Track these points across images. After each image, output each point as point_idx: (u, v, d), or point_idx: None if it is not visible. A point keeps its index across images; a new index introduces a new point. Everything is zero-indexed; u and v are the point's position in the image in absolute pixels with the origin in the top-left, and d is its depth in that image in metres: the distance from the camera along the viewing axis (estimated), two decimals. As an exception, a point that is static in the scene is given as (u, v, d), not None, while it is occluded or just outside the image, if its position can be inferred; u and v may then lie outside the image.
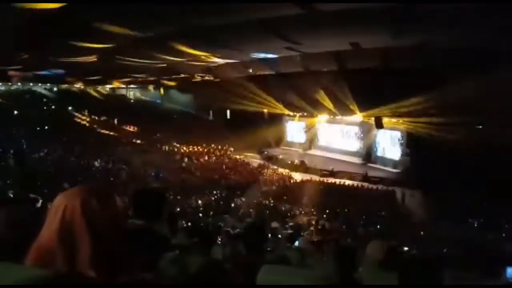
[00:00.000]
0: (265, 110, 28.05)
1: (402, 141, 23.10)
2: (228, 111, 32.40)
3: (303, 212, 15.98)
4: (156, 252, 1.72)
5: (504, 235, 12.39)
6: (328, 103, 23.99)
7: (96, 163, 20.38)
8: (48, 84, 33.02)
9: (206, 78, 24.93)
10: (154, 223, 2.07)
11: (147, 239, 1.82)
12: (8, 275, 0.91)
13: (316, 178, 22.97)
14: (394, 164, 23.67)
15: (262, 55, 17.33)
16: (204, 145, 29.16)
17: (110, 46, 14.21)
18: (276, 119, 30.88)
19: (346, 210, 16.19)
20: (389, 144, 24.40)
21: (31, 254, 0.96)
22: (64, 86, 34.05)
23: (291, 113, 29.55)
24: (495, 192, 13.89)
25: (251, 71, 21.38)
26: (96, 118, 30.35)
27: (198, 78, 25.50)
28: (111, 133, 28.51)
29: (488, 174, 14.96)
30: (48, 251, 0.93)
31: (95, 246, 0.93)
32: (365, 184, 21.41)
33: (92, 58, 16.55)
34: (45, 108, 29.87)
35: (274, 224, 10.38)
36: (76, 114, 30.47)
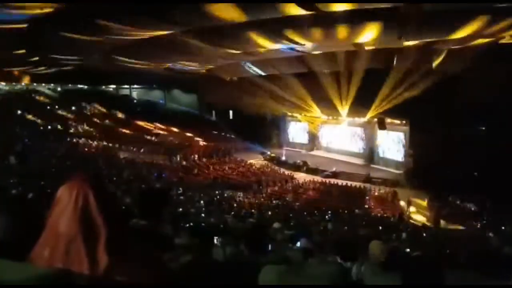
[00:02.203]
0: (268, 111, 28.01)
1: (405, 142, 23.03)
2: (231, 112, 32.40)
3: (305, 213, 15.95)
4: (159, 252, 1.73)
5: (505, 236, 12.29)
6: (330, 104, 23.95)
7: (99, 163, 20.41)
8: (52, 84, 33.15)
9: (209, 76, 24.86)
10: (157, 223, 2.09)
11: (150, 239, 1.84)
12: (9, 274, 0.93)
13: (318, 179, 22.95)
14: (397, 165, 23.61)
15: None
16: (207, 145, 29.15)
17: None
18: (278, 120, 30.86)
19: (346, 211, 16.16)
20: (392, 145, 24.33)
21: (43, 245, 0.98)
22: (68, 86, 34.20)
23: (294, 114, 29.50)
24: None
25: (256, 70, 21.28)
26: (98, 119, 30.43)
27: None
28: (114, 134, 28.54)
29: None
30: (68, 238, 0.96)
31: (110, 229, 0.98)
32: (367, 185, 21.37)
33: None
34: (48, 107, 29.95)
35: (276, 225, 10.35)
36: (79, 114, 30.54)
